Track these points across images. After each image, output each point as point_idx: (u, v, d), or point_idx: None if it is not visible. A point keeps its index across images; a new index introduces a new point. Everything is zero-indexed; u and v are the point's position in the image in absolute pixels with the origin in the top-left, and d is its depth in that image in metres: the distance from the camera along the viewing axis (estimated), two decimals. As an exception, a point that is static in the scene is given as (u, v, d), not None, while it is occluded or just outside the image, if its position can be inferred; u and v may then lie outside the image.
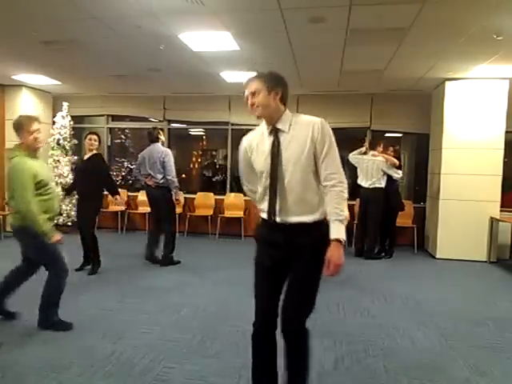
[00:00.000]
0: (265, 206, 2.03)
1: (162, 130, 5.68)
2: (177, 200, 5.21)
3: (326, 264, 1.91)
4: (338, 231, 1.89)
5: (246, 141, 2.13)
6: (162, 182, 5.10)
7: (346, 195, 1.93)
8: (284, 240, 1.98)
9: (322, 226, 1.93)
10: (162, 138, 5.40)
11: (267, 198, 2.00)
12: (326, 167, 1.93)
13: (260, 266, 2.10)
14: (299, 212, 1.96)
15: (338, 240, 1.88)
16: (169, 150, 5.26)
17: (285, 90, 2.04)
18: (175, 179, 5.11)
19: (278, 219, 1.98)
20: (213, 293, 4.26)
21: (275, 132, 1.99)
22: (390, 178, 6.02)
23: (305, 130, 1.94)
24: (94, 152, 4.81)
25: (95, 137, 4.80)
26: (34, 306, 3.16)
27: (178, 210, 7.58)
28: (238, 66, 5.57)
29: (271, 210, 1.99)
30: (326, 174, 1.93)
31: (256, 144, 2.06)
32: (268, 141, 2.00)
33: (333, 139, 1.95)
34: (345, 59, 5.15)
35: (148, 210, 7.41)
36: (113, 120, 8.39)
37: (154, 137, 5.26)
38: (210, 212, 7.52)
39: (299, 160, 1.93)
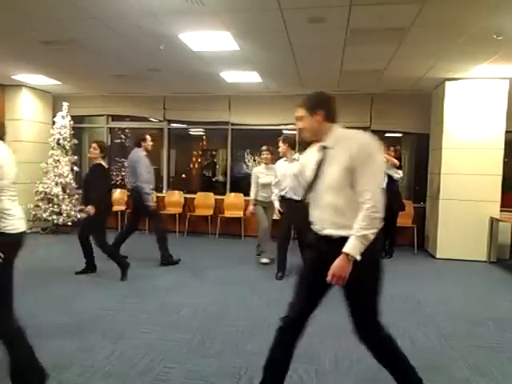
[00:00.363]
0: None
1: (151, 135, 5.64)
2: (147, 206, 5.19)
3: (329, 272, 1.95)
4: (349, 245, 1.91)
5: (305, 154, 2.30)
6: (135, 185, 5.19)
7: (374, 215, 1.90)
8: (325, 250, 2.03)
9: None
10: (147, 143, 5.39)
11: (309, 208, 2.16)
12: (360, 184, 1.94)
13: (303, 267, 2.21)
14: (341, 226, 1.99)
15: (345, 253, 1.90)
16: (142, 156, 5.26)
17: (327, 108, 2.10)
18: (144, 185, 5.11)
19: (325, 232, 2.06)
20: (213, 293, 4.26)
21: (322, 149, 2.10)
22: (390, 179, 6.01)
23: (346, 145, 1.99)
24: (96, 161, 4.69)
25: (95, 145, 4.68)
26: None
27: (178, 210, 7.63)
28: (238, 65, 5.58)
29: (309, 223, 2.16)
30: (359, 191, 1.95)
31: (309, 159, 2.21)
32: (317, 157, 2.11)
33: (373, 156, 1.95)
34: (345, 59, 5.15)
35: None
36: (113, 120, 8.40)
37: (137, 141, 5.39)
38: (210, 212, 7.52)
39: (339, 176, 1.98)
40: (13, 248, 2.18)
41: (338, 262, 1.92)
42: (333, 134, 2.08)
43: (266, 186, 5.59)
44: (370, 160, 1.95)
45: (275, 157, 5.44)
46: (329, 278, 1.94)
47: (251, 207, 5.67)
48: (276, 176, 5.11)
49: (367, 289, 2.05)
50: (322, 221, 2.07)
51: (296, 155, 5.10)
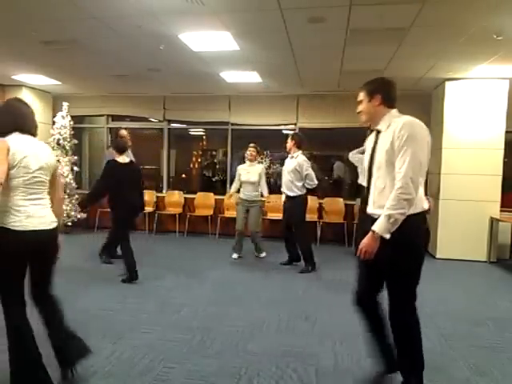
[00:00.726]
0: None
1: (124, 129, 5.73)
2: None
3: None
4: (377, 223, 2.04)
5: (366, 142, 2.42)
6: None
7: (402, 196, 1.98)
8: (369, 229, 2.11)
9: (406, 221, 2.01)
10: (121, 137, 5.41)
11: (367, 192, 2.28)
12: (397, 165, 2.04)
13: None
14: (379, 205, 2.12)
15: (372, 230, 2.04)
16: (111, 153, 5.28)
17: (385, 92, 2.20)
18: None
19: (369, 211, 2.23)
20: (213, 293, 4.26)
21: (376, 133, 2.21)
22: None
23: (392, 128, 2.08)
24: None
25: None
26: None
27: (178, 210, 7.63)
28: (238, 65, 5.58)
29: (365, 203, 2.27)
30: (396, 172, 2.04)
31: (367, 144, 2.35)
32: (372, 142, 2.24)
33: (412, 140, 2.00)
34: (345, 59, 5.15)
35: (149, 210, 7.45)
36: (113, 120, 8.39)
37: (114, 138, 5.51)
38: (210, 212, 7.52)
39: (384, 157, 2.10)
40: (13, 244, 2.15)
41: (365, 239, 2.07)
42: (387, 118, 2.17)
43: (247, 183, 5.55)
44: (407, 143, 2.00)
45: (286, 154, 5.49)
46: (357, 253, 2.09)
47: (226, 197, 5.87)
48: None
49: (401, 271, 2.12)
50: (369, 201, 2.23)
51: (296, 153, 5.16)
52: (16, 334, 2.18)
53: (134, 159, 5.39)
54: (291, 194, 5.17)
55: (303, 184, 5.14)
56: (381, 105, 2.18)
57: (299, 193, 5.15)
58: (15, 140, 2.18)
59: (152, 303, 3.87)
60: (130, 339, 3.06)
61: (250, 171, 5.57)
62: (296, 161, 5.13)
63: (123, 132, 5.50)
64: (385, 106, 2.18)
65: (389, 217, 1.99)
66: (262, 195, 5.69)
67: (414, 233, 2.08)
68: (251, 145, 5.67)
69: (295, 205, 5.18)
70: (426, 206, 2.17)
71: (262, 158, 7.68)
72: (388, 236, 2.00)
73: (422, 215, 2.12)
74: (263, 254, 5.86)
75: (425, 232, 2.22)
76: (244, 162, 5.78)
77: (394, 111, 2.20)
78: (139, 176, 4.73)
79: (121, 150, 4.60)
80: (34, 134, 2.31)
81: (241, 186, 5.67)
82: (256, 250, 5.88)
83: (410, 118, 2.10)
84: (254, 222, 5.60)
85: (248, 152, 5.65)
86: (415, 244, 2.11)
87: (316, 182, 5.21)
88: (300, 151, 5.21)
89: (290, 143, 5.24)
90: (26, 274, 2.26)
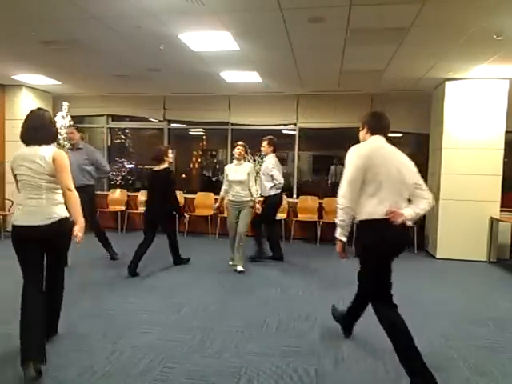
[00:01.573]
0: None
1: (74, 126, 5.89)
2: None
3: None
4: None
5: None
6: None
7: (338, 206, 2.59)
8: None
9: (359, 224, 2.64)
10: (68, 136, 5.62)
11: None
12: None
13: None
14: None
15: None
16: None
17: (370, 123, 2.72)
18: None
19: None
20: (213, 293, 4.26)
21: None
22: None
23: None
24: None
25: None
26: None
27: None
28: (238, 65, 5.58)
29: None
30: None
31: None
32: None
33: (347, 163, 2.59)
34: (345, 59, 5.15)
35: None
36: (113, 120, 8.40)
37: None
38: (210, 212, 7.50)
39: None
40: (12, 235, 2.68)
41: None
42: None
43: (235, 183, 5.14)
44: (345, 165, 2.62)
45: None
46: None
47: (217, 204, 5.72)
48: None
49: (361, 265, 2.73)
50: None
51: (268, 156, 5.49)
52: (22, 298, 2.62)
53: (99, 159, 5.42)
54: (264, 194, 5.55)
55: (273, 186, 5.39)
56: (367, 133, 2.72)
57: (270, 193, 5.44)
58: (18, 153, 2.68)
59: (152, 303, 3.87)
60: (130, 339, 3.06)
61: (238, 170, 5.14)
62: (265, 164, 5.48)
63: (69, 129, 5.59)
64: (370, 133, 2.70)
65: (336, 224, 2.60)
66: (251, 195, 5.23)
67: (360, 235, 2.65)
68: (239, 143, 5.31)
69: (266, 204, 5.52)
70: (373, 215, 2.53)
71: (261, 158, 7.68)
72: (344, 239, 2.61)
73: (371, 222, 2.54)
74: (240, 268, 5.08)
75: (373, 237, 2.58)
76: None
77: (373, 138, 2.67)
78: (164, 182, 4.96)
79: (155, 160, 5.00)
80: (47, 143, 2.68)
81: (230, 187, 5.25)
82: (234, 259, 5.20)
83: (356, 146, 2.62)
84: (243, 225, 5.13)
85: (236, 150, 5.25)
86: (361, 244, 2.65)
87: (280, 181, 5.38)
88: (273, 154, 5.50)
89: (265, 147, 5.53)
90: (31, 260, 2.67)
